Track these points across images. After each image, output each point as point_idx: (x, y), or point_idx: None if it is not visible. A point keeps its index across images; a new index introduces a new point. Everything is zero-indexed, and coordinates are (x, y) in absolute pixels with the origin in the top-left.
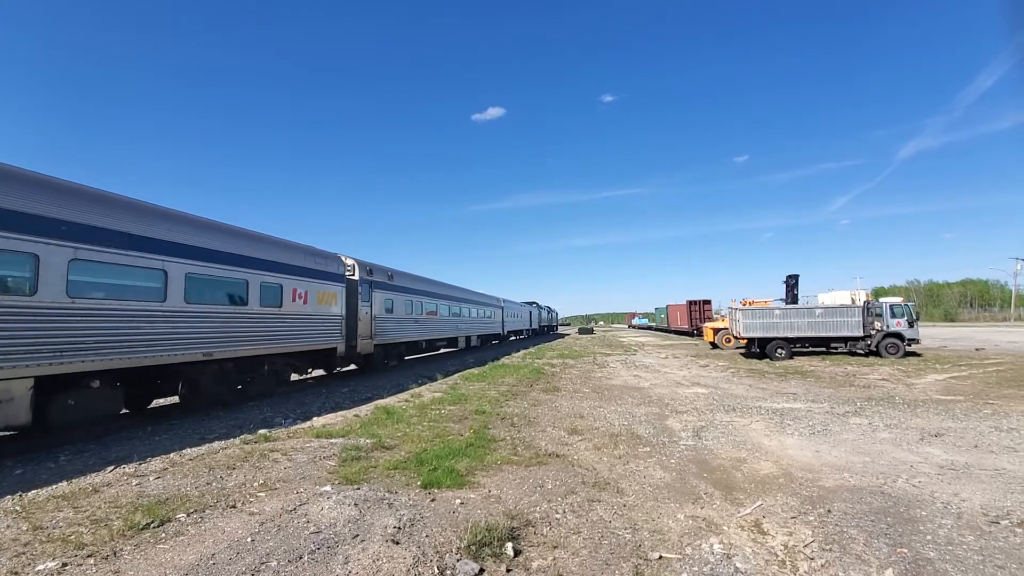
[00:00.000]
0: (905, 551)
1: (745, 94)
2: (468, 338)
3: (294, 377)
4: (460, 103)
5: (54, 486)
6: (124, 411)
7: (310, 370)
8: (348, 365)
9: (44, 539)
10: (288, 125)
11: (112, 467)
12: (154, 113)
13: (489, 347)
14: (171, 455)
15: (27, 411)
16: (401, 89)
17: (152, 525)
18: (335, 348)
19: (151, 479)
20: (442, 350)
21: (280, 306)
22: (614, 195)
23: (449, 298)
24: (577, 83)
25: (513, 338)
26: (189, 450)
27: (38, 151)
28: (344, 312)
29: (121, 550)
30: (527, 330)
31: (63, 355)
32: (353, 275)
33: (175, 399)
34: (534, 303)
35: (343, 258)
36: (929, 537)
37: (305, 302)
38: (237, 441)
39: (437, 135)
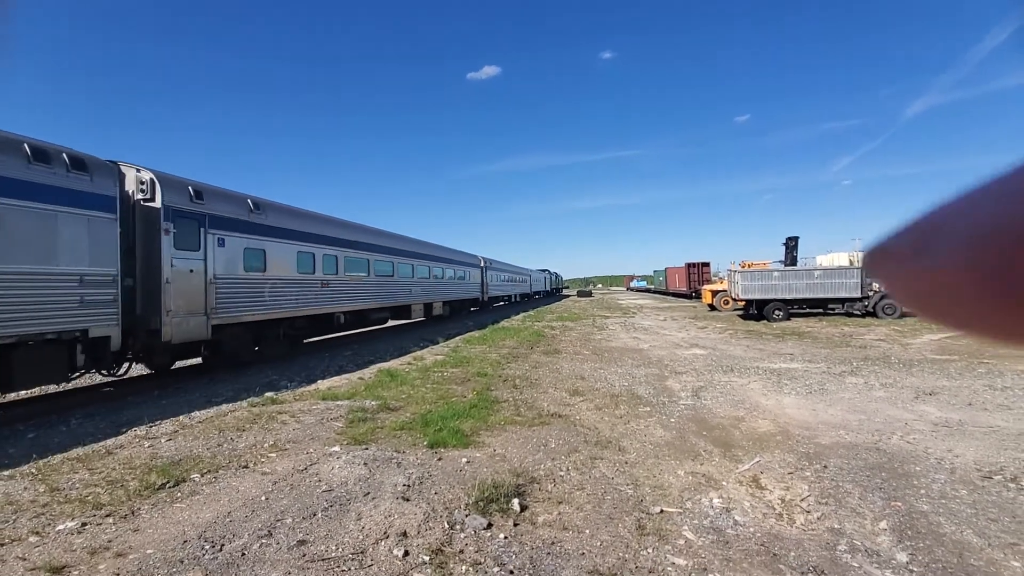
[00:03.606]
0: (899, 504)
1: (748, 51)
2: (429, 305)
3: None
4: (455, 61)
5: (68, 449)
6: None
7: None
8: (132, 362)
9: (62, 500)
10: (278, 87)
11: (124, 430)
12: None
13: (471, 314)
14: (180, 418)
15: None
16: (395, 47)
17: (167, 485)
18: (86, 333)
19: (163, 441)
20: (390, 322)
21: None
22: (613, 156)
23: (391, 251)
24: (575, 38)
25: (501, 303)
26: (197, 413)
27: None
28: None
29: (139, 509)
30: (523, 295)
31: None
32: (149, 200)
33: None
34: (546, 269)
35: (119, 166)
36: (923, 491)
37: None
38: (244, 404)
39: (433, 95)
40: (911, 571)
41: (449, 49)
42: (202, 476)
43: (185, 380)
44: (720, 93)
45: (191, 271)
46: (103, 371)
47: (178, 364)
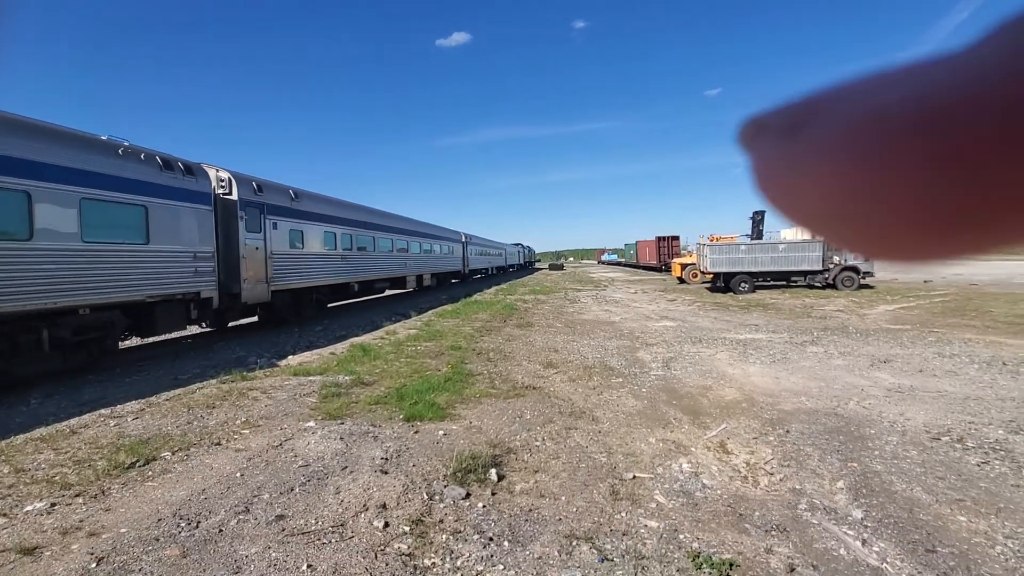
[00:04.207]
0: (855, 465)
1: (721, 22)
2: (420, 277)
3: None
4: (423, 27)
5: (30, 429)
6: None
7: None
8: (237, 317)
9: (28, 480)
10: (233, 57)
11: (86, 409)
12: None
13: (451, 286)
14: (146, 397)
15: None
16: (360, 11)
17: (137, 464)
18: (200, 294)
19: (129, 420)
20: (387, 292)
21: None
22: (585, 129)
23: (390, 230)
24: (548, 4)
25: (479, 276)
26: (164, 391)
27: None
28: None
29: (109, 488)
30: (498, 268)
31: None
32: (229, 194)
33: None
34: (520, 244)
35: (212, 169)
36: (877, 452)
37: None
38: (213, 381)
39: (401, 63)
40: (865, 527)
41: (416, 12)
42: (173, 454)
43: (148, 358)
44: (692, 65)
45: (256, 248)
46: (204, 323)
47: (160, 337)
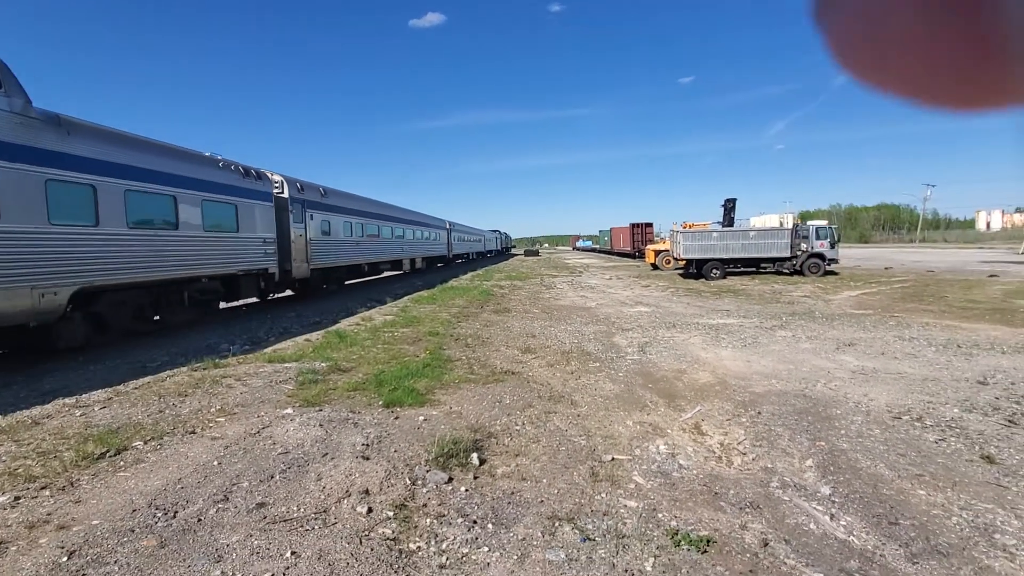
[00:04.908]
0: (823, 444)
1: (696, 8)
2: (413, 260)
3: (223, 305)
4: (396, 6)
5: None
6: None
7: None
8: (283, 290)
9: None
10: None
11: (49, 399)
12: None
13: (434, 270)
14: (113, 386)
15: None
16: None
17: (108, 454)
18: (268, 270)
19: (96, 409)
20: (385, 273)
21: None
22: (559, 115)
23: (391, 219)
24: None
25: (460, 261)
26: (132, 380)
27: None
28: (276, 233)
29: (78, 480)
30: (478, 253)
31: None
32: (282, 192)
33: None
34: (497, 230)
35: (270, 175)
36: (843, 432)
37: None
38: (184, 369)
39: (375, 42)
40: (833, 502)
41: None
42: (145, 443)
43: (115, 345)
44: (666, 52)
45: (300, 235)
46: (272, 293)
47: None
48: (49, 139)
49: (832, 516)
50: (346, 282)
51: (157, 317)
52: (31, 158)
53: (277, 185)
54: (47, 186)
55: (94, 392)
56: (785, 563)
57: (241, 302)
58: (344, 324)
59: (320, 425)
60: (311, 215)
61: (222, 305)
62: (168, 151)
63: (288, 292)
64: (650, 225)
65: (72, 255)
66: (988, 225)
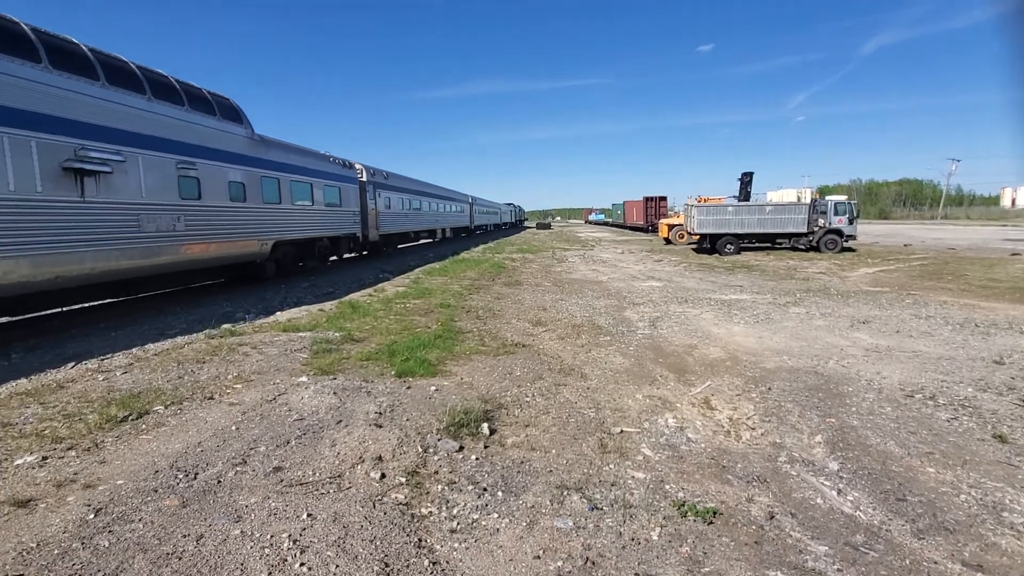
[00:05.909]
0: (833, 420)
1: None
2: (444, 230)
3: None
4: None
5: (13, 383)
6: None
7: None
8: (364, 250)
9: (16, 435)
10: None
11: (72, 363)
12: None
13: (459, 239)
14: (133, 351)
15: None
16: None
17: (130, 418)
18: (356, 235)
19: (118, 374)
20: (422, 240)
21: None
22: (574, 84)
23: (429, 195)
24: None
25: (479, 232)
26: (151, 345)
27: None
28: (359, 207)
29: (102, 442)
30: (495, 225)
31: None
32: (363, 177)
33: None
34: (512, 203)
35: (355, 164)
36: (854, 409)
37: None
38: (201, 336)
39: (383, 10)
40: (841, 477)
41: None
42: (166, 408)
43: (134, 311)
44: (685, 17)
45: (373, 209)
46: (360, 252)
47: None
48: (261, 152)
49: (839, 491)
50: (399, 246)
51: (301, 264)
52: (257, 164)
53: (359, 171)
54: (262, 181)
55: (116, 357)
56: (791, 535)
57: (344, 255)
58: (356, 295)
59: (334, 393)
60: (379, 193)
61: (331, 258)
62: (307, 153)
63: (363, 252)
64: (664, 199)
65: (272, 220)
66: (1013, 202)
